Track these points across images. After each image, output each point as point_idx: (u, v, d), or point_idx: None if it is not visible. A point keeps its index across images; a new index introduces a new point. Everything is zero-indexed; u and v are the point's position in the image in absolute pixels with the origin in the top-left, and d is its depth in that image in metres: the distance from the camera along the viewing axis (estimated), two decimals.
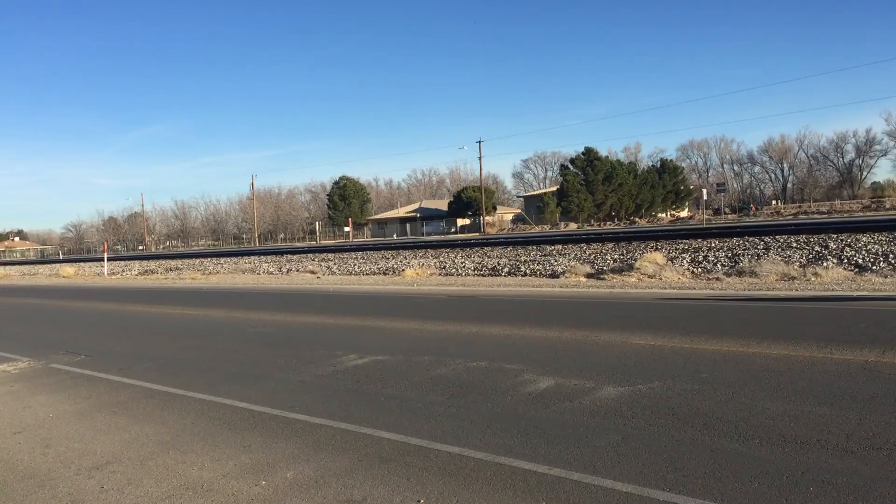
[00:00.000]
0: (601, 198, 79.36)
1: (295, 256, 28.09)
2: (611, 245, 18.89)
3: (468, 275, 18.13)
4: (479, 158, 71.75)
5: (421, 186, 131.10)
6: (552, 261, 17.65)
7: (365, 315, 11.33)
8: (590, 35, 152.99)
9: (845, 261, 13.21)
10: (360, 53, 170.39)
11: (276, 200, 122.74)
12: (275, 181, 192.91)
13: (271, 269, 25.03)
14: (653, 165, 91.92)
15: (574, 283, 14.67)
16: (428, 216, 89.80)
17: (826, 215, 52.96)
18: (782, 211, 69.01)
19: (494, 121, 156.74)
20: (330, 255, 26.97)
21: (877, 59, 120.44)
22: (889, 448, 3.85)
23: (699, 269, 14.43)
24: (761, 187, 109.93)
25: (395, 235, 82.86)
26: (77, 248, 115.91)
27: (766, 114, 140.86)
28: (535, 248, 20.32)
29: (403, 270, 19.73)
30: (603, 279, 14.68)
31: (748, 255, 14.71)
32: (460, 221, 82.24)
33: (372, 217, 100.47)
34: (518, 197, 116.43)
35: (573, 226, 68.86)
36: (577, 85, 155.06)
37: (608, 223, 73.72)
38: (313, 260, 25.92)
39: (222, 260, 30.41)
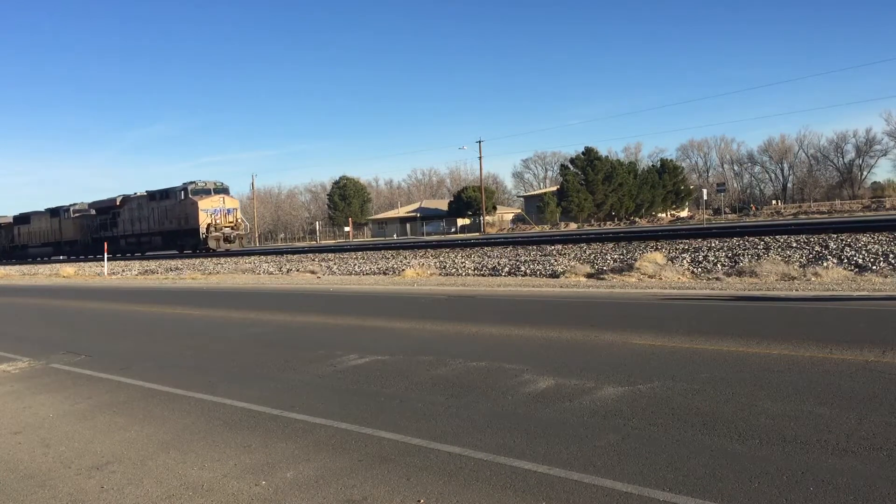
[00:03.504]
0: (601, 198, 79.38)
1: (295, 256, 28.06)
2: (611, 245, 18.88)
3: (468, 275, 18.12)
4: (480, 158, 71.83)
5: (421, 186, 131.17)
6: (552, 261, 17.65)
7: (365, 315, 11.33)
8: (590, 35, 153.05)
9: (845, 261, 13.20)
10: (360, 53, 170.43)
11: (276, 200, 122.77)
12: (275, 181, 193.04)
13: (271, 269, 25.01)
14: (653, 165, 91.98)
15: (574, 283, 14.66)
16: (428, 216, 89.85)
17: (826, 215, 52.96)
18: (782, 211, 69.02)
19: (494, 121, 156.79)
20: (330, 255, 26.95)
21: (877, 59, 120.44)
22: (889, 448, 3.85)
23: (699, 269, 14.42)
24: (761, 187, 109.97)
25: (395, 235, 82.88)
26: None
27: (766, 114, 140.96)
28: (535, 248, 20.32)
29: (403, 270, 19.72)
30: (603, 279, 14.67)
31: (748, 255, 14.71)
32: (460, 221, 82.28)
33: (372, 217, 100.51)
34: (518, 197, 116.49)
35: (573, 226, 68.88)
36: (577, 85, 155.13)
37: (608, 223, 73.72)
38: (313, 260, 25.91)
39: (222, 260, 30.38)
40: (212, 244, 38.19)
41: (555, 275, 16.02)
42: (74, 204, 48.99)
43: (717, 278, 13.40)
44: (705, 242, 16.68)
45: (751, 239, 16.22)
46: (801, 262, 13.59)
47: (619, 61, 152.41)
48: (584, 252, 18.19)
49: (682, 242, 17.22)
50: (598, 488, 3.54)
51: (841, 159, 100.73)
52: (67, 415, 5.94)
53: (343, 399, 5.74)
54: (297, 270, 23.82)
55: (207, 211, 38.87)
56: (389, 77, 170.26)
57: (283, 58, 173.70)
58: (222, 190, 40.72)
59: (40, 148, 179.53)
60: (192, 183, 39.78)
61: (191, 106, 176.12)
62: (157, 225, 42.01)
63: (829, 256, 13.61)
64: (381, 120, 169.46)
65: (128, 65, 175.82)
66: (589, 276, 15.27)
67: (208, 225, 38.59)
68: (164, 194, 41.54)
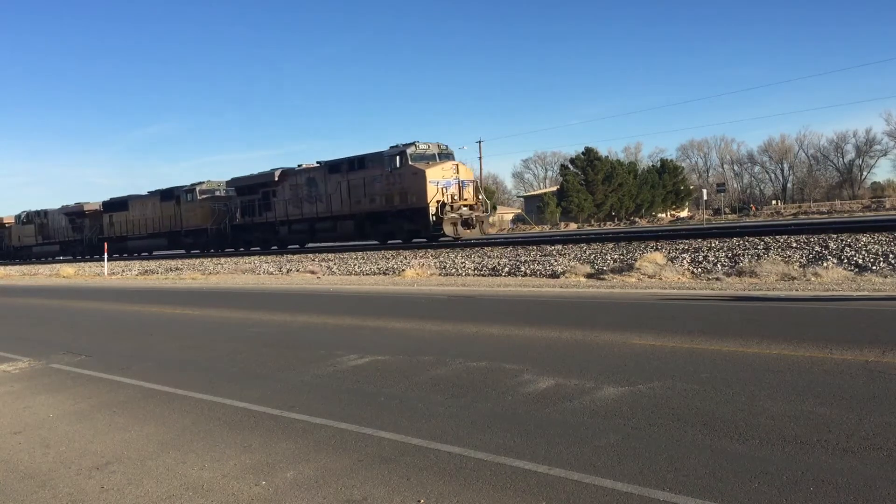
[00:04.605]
0: (601, 198, 79.38)
1: (295, 256, 28.05)
2: (611, 245, 18.87)
3: (468, 275, 18.12)
4: (479, 158, 71.77)
5: None
6: (552, 261, 17.64)
7: (365, 315, 11.33)
8: (590, 35, 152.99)
9: (845, 261, 13.20)
10: (360, 53, 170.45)
11: None
12: None
13: (271, 269, 25.01)
14: (653, 165, 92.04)
15: (574, 283, 14.66)
16: None
17: (826, 215, 52.95)
18: (782, 211, 69.02)
19: (494, 121, 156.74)
20: (330, 255, 26.94)
21: (877, 59, 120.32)
22: (889, 448, 3.85)
23: (699, 269, 14.42)
24: (761, 187, 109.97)
25: None
26: None
27: (766, 114, 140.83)
28: (535, 248, 20.30)
29: (403, 270, 19.72)
30: (603, 279, 14.67)
31: (748, 255, 14.70)
32: None
33: None
34: (518, 197, 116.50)
35: (573, 226, 68.87)
36: (578, 85, 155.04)
37: (608, 223, 73.73)
38: (313, 260, 25.90)
39: (222, 260, 30.36)
40: (448, 230, 25.86)
41: (555, 275, 16.02)
42: (200, 183, 38.13)
43: (717, 278, 13.40)
44: (705, 242, 16.68)
45: (751, 239, 16.22)
46: (801, 262, 13.58)
47: (619, 61, 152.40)
48: (584, 252, 18.19)
49: (682, 242, 17.21)
50: (598, 488, 3.54)
51: (841, 159, 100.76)
52: (67, 415, 5.94)
53: (343, 399, 5.74)
54: (297, 270, 23.82)
55: (437, 183, 26.06)
56: (388, 77, 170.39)
57: (283, 57, 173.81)
58: (448, 155, 27.80)
59: (40, 148, 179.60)
60: (410, 145, 27.22)
61: (191, 106, 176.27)
62: (349, 205, 29.16)
63: (829, 256, 13.60)
64: (381, 120, 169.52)
65: (128, 65, 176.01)
66: (589, 276, 15.27)
67: (440, 203, 25.76)
68: (359, 163, 28.85)
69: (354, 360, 7.28)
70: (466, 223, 26.49)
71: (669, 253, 16.14)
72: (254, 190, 34.09)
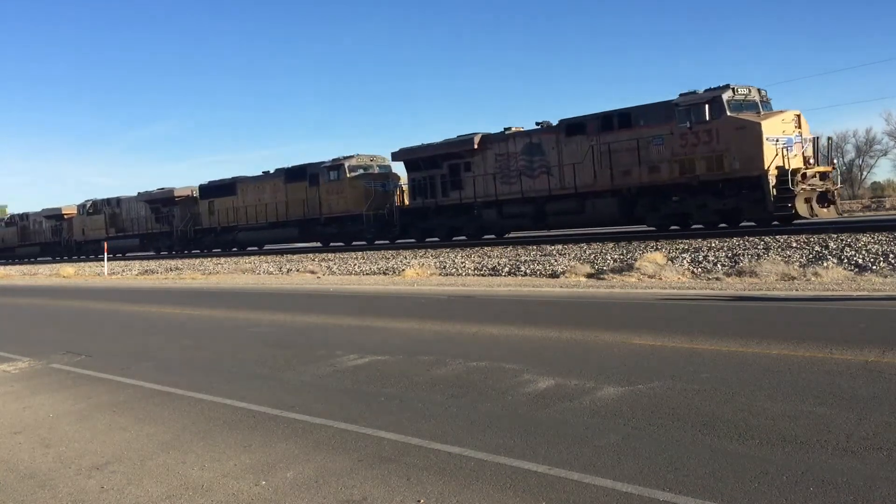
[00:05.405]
0: None
1: (295, 256, 28.05)
2: (611, 245, 18.85)
3: (468, 275, 18.12)
4: None
5: None
6: (552, 261, 17.64)
7: (365, 315, 11.33)
8: (590, 34, 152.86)
9: (845, 261, 13.20)
10: (360, 54, 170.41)
11: None
12: None
13: (271, 269, 25.01)
14: None
15: (574, 283, 14.66)
16: None
17: None
18: None
19: (494, 121, 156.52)
20: (330, 255, 26.94)
21: (877, 59, 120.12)
22: (889, 448, 3.85)
23: (699, 269, 14.42)
24: None
25: None
26: None
27: None
28: (535, 248, 20.29)
29: (403, 270, 19.72)
30: (603, 279, 14.67)
31: (748, 255, 14.70)
32: None
33: None
34: None
35: None
36: (578, 84, 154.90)
37: None
38: (313, 260, 25.90)
39: (222, 260, 30.35)
40: (801, 209, 17.47)
41: (555, 275, 16.02)
42: (349, 157, 29.10)
43: (717, 278, 13.39)
44: (705, 242, 16.67)
45: (751, 239, 16.20)
46: (801, 262, 13.58)
47: (618, 61, 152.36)
48: (584, 252, 18.18)
49: (682, 242, 17.20)
50: (598, 488, 3.55)
51: (841, 159, 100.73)
52: (67, 415, 5.94)
53: (343, 399, 5.74)
54: (297, 270, 23.83)
55: (776, 142, 17.45)
56: (388, 76, 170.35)
57: (283, 57, 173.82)
58: (768, 103, 18.98)
59: (41, 147, 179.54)
60: (723, 89, 18.26)
61: (192, 106, 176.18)
62: (609, 177, 20.44)
63: (829, 256, 13.60)
64: (381, 120, 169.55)
65: (129, 64, 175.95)
66: (589, 276, 15.27)
67: (781, 170, 17.22)
68: (621, 119, 20.14)
69: (354, 360, 7.28)
70: (825, 199, 18.35)
71: (669, 253, 16.13)
72: (434, 163, 25.19)
